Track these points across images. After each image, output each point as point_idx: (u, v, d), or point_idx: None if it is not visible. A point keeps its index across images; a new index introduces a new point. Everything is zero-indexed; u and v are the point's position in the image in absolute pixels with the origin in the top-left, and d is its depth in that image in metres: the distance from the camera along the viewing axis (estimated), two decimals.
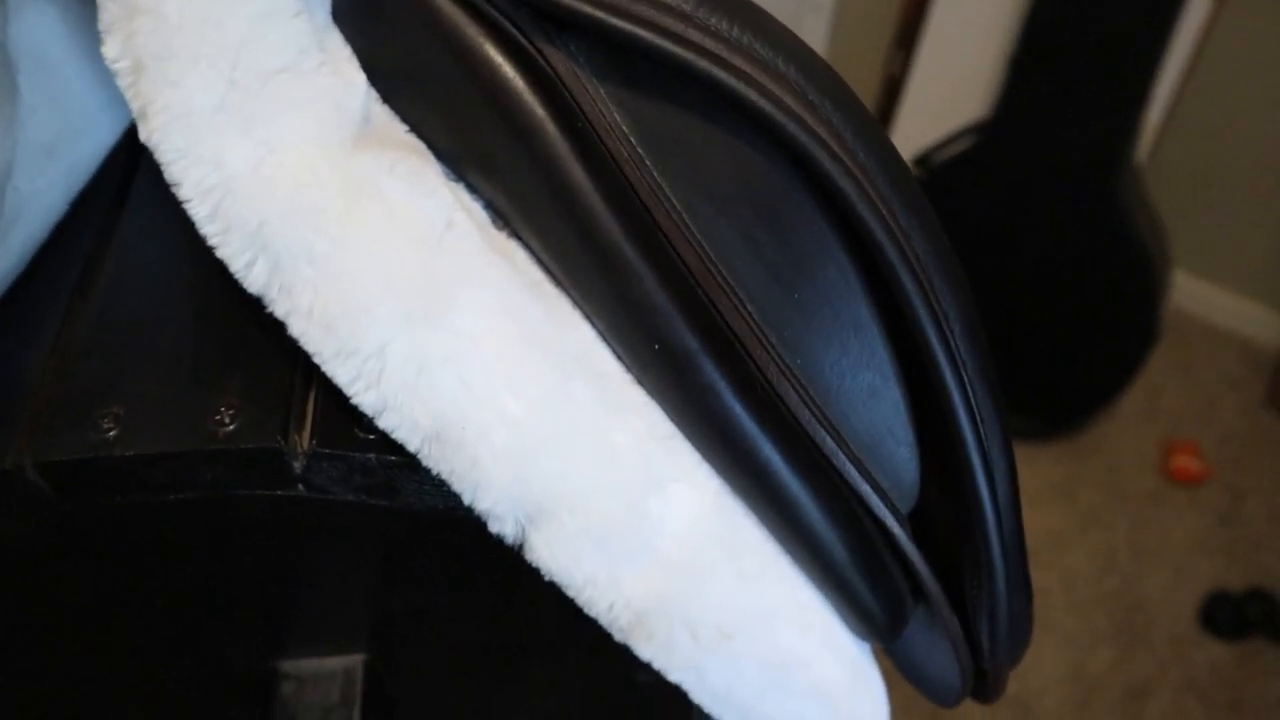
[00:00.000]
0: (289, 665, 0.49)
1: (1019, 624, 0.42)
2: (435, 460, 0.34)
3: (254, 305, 0.40)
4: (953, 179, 1.59)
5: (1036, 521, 1.60)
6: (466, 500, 0.35)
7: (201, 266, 0.44)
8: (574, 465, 0.34)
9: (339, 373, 0.34)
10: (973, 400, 0.35)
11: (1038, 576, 1.52)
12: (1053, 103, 1.50)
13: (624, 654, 0.53)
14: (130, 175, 0.48)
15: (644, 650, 0.38)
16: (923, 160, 1.61)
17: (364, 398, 0.34)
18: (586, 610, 0.37)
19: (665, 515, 0.35)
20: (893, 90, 1.82)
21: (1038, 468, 1.67)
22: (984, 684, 0.46)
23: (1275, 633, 1.47)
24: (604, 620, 0.37)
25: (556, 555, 0.35)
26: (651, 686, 0.55)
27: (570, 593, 0.36)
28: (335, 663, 0.49)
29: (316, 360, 0.35)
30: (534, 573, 0.44)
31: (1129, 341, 1.59)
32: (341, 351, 0.34)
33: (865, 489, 0.36)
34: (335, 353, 0.34)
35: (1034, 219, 1.57)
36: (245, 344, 0.41)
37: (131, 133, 0.49)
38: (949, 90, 1.67)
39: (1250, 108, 1.69)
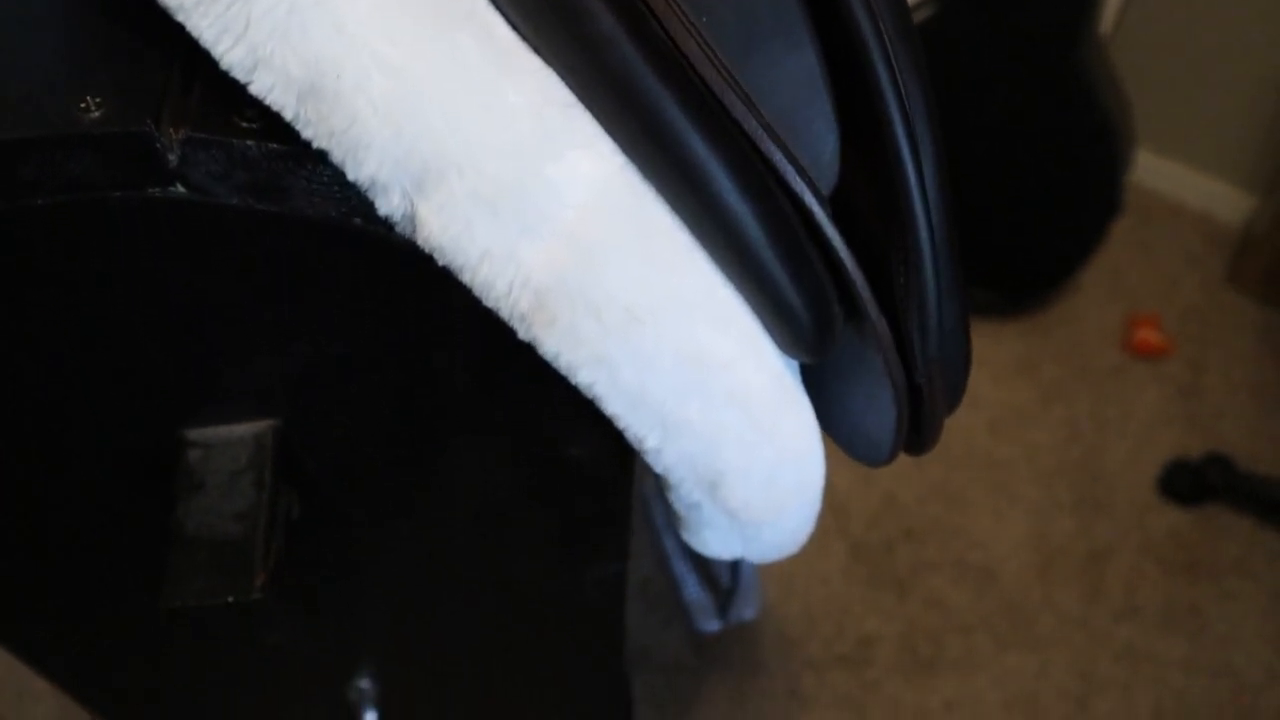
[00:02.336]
0: (195, 433, 0.47)
1: (953, 339, 0.40)
2: (312, 123, 0.32)
3: (128, 17, 0.37)
4: None
5: (1000, 396, 1.59)
6: (351, 175, 0.33)
7: None
8: (461, 120, 0.32)
9: (203, 27, 0.31)
10: (891, 54, 0.33)
11: (1001, 450, 1.52)
12: None
13: (552, 427, 0.51)
14: None
15: (549, 342, 0.35)
16: None
17: (233, 55, 0.32)
18: (485, 298, 0.34)
19: (564, 183, 0.33)
20: None
21: (1002, 343, 1.66)
22: (919, 424, 0.44)
23: (1233, 496, 1.47)
24: (504, 310, 0.35)
25: (447, 226, 0.33)
26: (584, 462, 0.53)
27: (465, 276, 0.34)
28: (244, 429, 0.47)
29: (179, 17, 0.32)
30: (441, 307, 0.42)
31: (1091, 214, 1.58)
32: None
33: (779, 158, 0.34)
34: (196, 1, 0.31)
35: (996, 90, 1.54)
36: (117, 48, 0.38)
37: None
38: None
39: None
